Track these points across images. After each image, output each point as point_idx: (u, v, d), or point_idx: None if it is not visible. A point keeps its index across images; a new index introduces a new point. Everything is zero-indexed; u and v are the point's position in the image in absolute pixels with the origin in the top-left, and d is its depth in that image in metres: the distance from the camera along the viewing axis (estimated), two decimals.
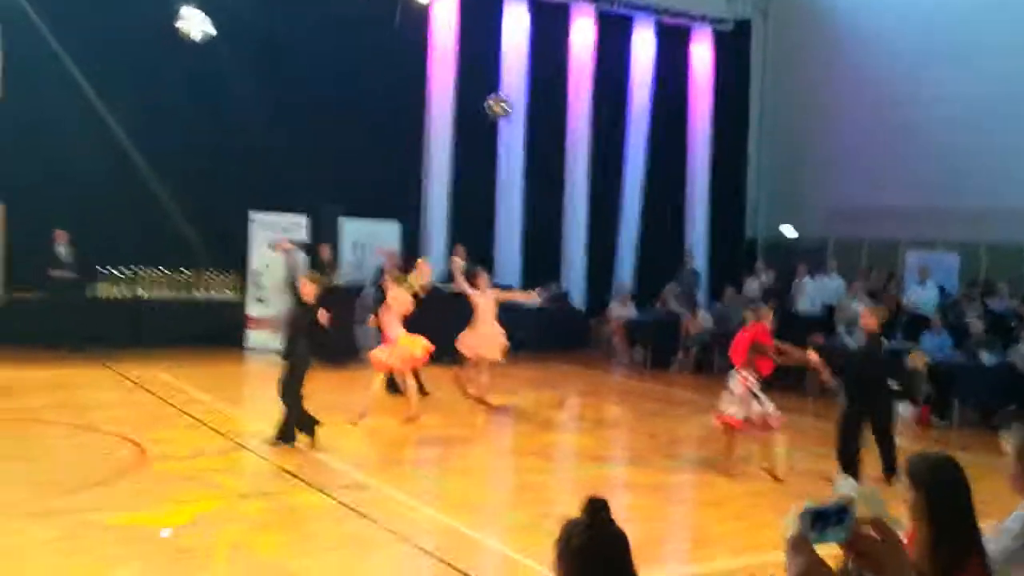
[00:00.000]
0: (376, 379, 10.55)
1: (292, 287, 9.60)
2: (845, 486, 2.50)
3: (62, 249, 14.63)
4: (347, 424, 10.15)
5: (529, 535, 6.45)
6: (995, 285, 15.50)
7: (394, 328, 10.33)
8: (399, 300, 10.36)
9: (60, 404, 10.85)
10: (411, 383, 10.65)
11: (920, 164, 17.65)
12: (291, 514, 7.29)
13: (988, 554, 3.42)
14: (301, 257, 14.76)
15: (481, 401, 11.83)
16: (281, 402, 9.28)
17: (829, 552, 1.70)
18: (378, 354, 10.38)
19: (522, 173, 18.96)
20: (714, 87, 21.05)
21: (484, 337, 11.67)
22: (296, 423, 9.26)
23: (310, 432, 9.28)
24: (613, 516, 2.29)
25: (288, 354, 9.36)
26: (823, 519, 1.65)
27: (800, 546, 1.62)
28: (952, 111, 17.03)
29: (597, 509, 2.35)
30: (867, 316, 9.35)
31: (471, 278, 11.91)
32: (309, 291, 9.40)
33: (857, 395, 8.89)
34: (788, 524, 1.69)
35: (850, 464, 8.55)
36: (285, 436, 9.24)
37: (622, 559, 2.35)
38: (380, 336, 10.73)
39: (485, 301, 11.75)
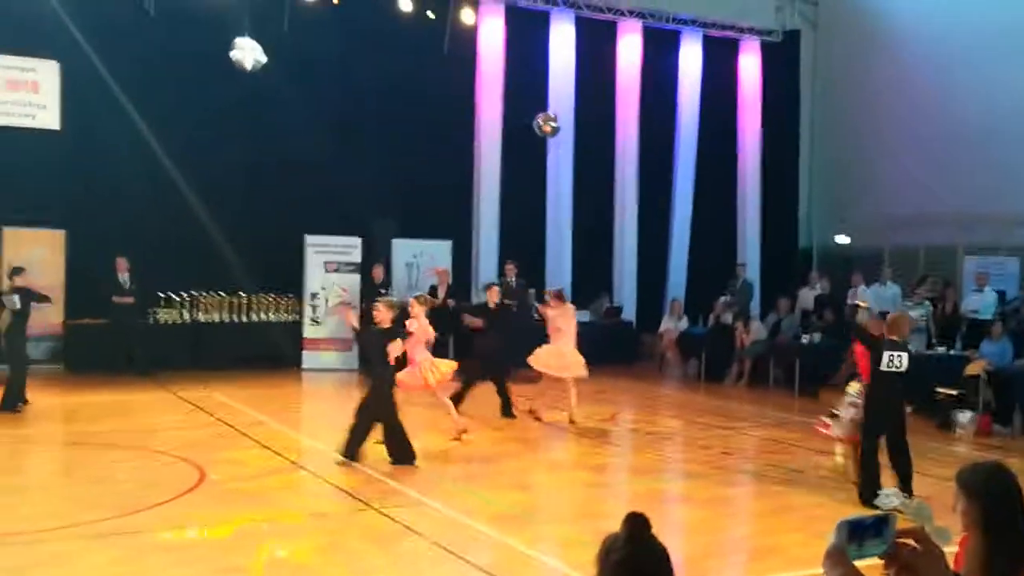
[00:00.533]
0: (442, 396, 10.71)
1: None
2: (891, 499, 2.49)
3: (123, 276, 14.98)
4: (451, 441, 10.52)
5: (584, 550, 6.42)
6: None
7: (418, 352, 10.39)
8: (420, 327, 10.39)
9: (122, 428, 11.08)
10: (447, 402, 10.78)
11: (976, 168, 17.35)
12: (348, 534, 7.36)
13: None
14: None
15: (536, 416, 11.95)
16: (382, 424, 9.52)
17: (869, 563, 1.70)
18: (402, 377, 10.46)
19: (571, 189, 19.01)
20: (763, 98, 20.94)
21: (564, 355, 11.99)
22: (355, 442, 9.40)
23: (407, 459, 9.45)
24: (666, 530, 2.29)
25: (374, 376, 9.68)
26: (861, 531, 1.63)
27: (837, 558, 1.60)
28: (1006, 113, 16.74)
29: (637, 524, 2.34)
30: (875, 326, 9.10)
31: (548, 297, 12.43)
32: (383, 316, 9.60)
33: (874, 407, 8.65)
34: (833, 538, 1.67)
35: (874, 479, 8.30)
36: (398, 457, 9.41)
37: (662, 573, 2.33)
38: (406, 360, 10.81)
39: (565, 319, 12.03)
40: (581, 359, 12.14)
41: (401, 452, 9.42)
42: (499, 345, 12.42)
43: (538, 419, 11.99)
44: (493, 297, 12.84)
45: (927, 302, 15.19)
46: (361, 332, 10.81)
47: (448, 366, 10.63)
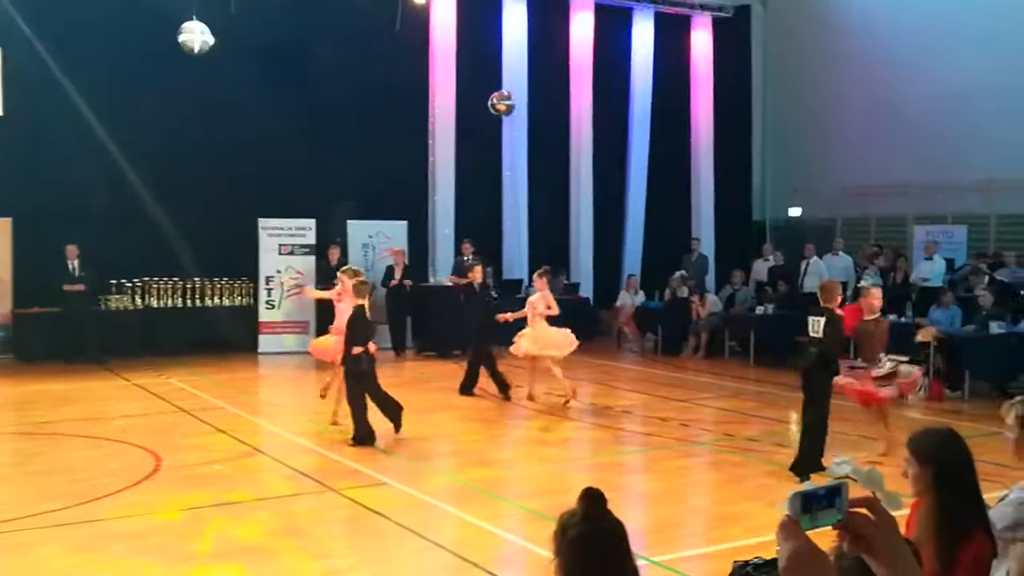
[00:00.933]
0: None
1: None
2: (842, 467, 2.51)
3: (73, 263, 14.73)
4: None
5: (545, 525, 6.45)
6: (1004, 256, 15.46)
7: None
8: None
9: (76, 417, 10.93)
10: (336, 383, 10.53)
11: (924, 140, 17.62)
12: (308, 516, 7.34)
13: (993, 524, 3.45)
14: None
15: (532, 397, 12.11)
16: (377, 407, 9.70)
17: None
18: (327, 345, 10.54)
19: (526, 167, 18.99)
20: (715, 74, 21.06)
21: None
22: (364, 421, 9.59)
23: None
24: (625, 502, 2.30)
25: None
26: (815, 502, 1.61)
27: (790, 530, 1.56)
28: (955, 86, 16.98)
29: (592, 500, 2.35)
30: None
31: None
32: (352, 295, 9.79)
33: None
34: (784, 508, 1.66)
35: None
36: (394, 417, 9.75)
37: (618, 549, 2.34)
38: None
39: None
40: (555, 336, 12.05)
41: (391, 413, 9.77)
42: (485, 323, 12.29)
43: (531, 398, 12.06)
44: (477, 277, 12.70)
45: (878, 272, 15.44)
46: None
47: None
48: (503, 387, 12.15)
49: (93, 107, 15.03)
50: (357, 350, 9.50)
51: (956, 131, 17.07)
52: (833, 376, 8.52)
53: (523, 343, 11.93)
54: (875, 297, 9.15)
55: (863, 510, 1.65)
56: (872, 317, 9.12)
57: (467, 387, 12.39)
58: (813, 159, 20.22)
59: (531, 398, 12.03)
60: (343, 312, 10.12)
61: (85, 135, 14.85)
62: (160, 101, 15.27)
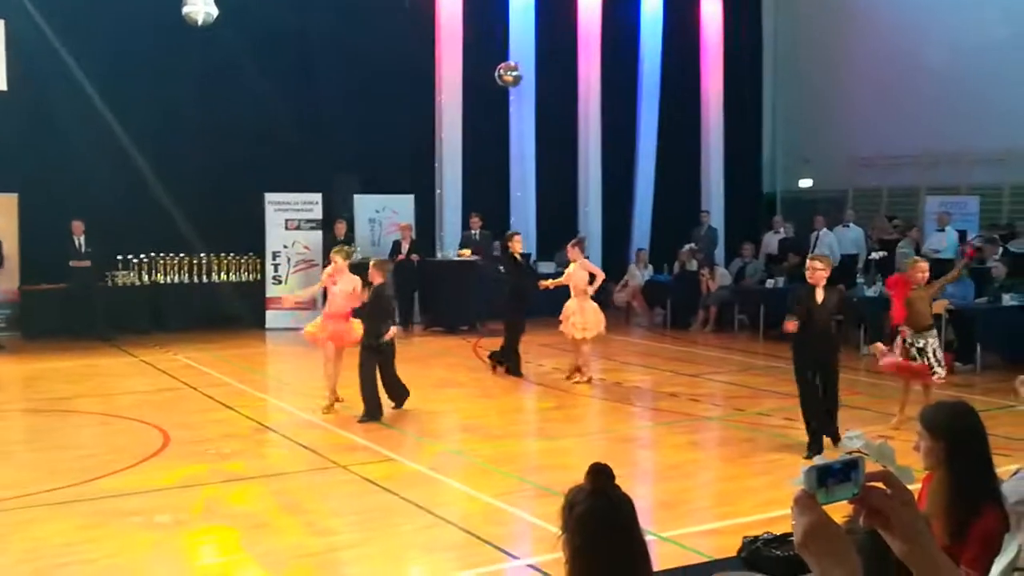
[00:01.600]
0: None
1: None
2: (853, 441, 2.45)
3: (79, 239, 14.70)
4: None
5: (553, 501, 6.41)
6: (1017, 228, 15.32)
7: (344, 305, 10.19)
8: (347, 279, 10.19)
9: (85, 393, 10.94)
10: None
11: (936, 110, 17.43)
12: (315, 491, 7.32)
13: (1005, 498, 3.39)
14: None
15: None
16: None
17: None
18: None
19: (534, 141, 18.88)
20: (725, 44, 20.84)
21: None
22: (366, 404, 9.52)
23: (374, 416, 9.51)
24: (635, 477, 2.27)
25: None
26: (830, 476, 1.58)
27: (806, 504, 1.55)
28: (966, 56, 16.78)
29: (600, 475, 2.32)
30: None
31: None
32: (375, 276, 9.59)
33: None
34: (798, 483, 1.63)
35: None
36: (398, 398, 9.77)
37: (627, 524, 2.31)
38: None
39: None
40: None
41: (397, 394, 9.77)
42: (526, 295, 12.04)
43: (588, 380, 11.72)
44: (518, 247, 12.24)
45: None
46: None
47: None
48: (518, 366, 11.93)
49: (97, 81, 14.93)
50: (390, 333, 9.50)
51: (971, 101, 16.87)
52: None
53: (575, 327, 11.47)
54: (920, 270, 9.17)
55: (880, 485, 1.62)
56: (920, 288, 9.13)
57: (516, 367, 11.95)
58: (824, 129, 20.04)
59: (587, 378, 11.70)
60: (336, 296, 9.96)
61: (89, 110, 14.77)
62: (165, 75, 15.18)
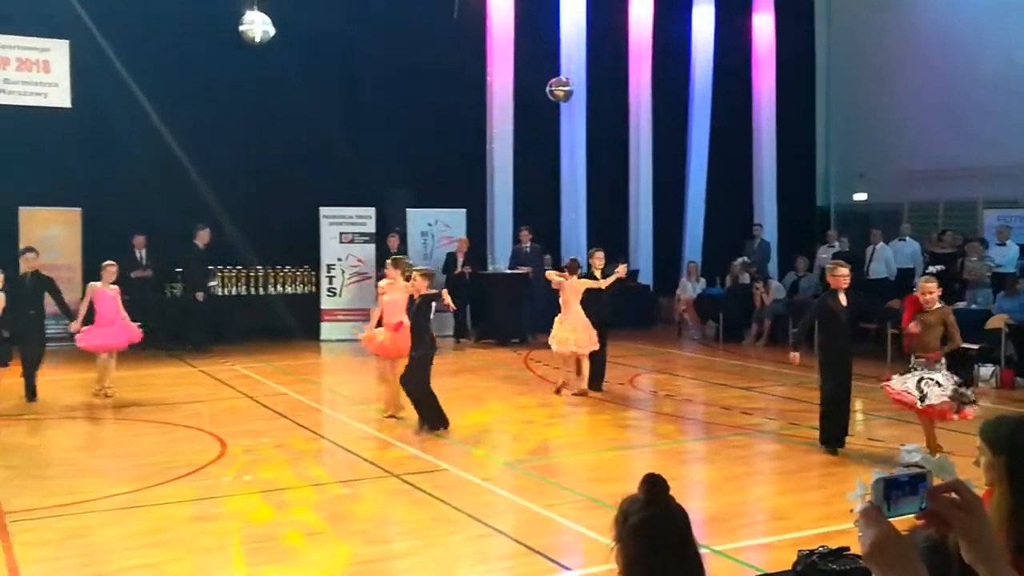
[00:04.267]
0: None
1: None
2: (912, 455, 2.44)
3: (140, 252, 15.04)
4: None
5: (605, 513, 6.41)
6: None
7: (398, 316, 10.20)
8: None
9: (143, 402, 11.15)
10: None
11: (994, 122, 17.15)
12: (368, 501, 7.39)
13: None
14: None
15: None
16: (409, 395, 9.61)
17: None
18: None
19: (585, 154, 18.90)
20: (777, 55, 20.72)
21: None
22: (427, 416, 9.52)
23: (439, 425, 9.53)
24: (688, 491, 2.26)
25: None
26: (897, 489, 1.60)
27: (873, 516, 1.57)
28: (1022, 67, 16.46)
29: (655, 486, 2.29)
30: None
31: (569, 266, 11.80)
32: (421, 285, 9.54)
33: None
34: (855, 496, 1.64)
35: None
36: (433, 423, 9.53)
37: (682, 535, 2.28)
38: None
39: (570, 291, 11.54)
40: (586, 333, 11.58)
41: (435, 418, 9.54)
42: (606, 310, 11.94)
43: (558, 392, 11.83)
44: (599, 262, 12.10)
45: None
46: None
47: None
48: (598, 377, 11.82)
49: (157, 99, 15.27)
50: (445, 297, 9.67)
51: None
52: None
53: (578, 344, 11.50)
54: (926, 291, 8.74)
55: (951, 494, 1.64)
56: (930, 309, 8.69)
57: (598, 381, 11.92)
58: (879, 142, 19.80)
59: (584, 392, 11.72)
60: (389, 306, 10.09)
61: (150, 127, 15.13)
62: (222, 93, 15.51)
